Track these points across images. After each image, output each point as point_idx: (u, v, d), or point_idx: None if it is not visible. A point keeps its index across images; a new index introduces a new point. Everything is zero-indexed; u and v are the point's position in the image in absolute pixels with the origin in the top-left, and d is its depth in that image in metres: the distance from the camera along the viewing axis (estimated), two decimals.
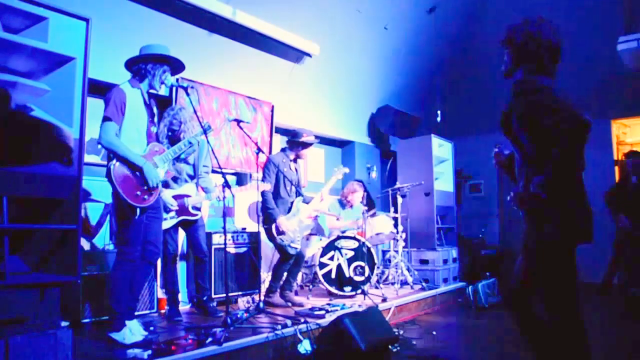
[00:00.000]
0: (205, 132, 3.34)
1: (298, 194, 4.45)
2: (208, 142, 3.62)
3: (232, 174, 5.54)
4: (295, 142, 4.44)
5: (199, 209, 3.94)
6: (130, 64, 3.09)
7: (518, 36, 2.12)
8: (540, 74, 2.08)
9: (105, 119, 2.85)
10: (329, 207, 5.88)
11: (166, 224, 3.80)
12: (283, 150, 4.57)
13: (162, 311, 4.14)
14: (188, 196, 3.89)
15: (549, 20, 2.13)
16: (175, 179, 3.90)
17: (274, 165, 4.35)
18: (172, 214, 3.82)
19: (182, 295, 4.32)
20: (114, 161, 2.87)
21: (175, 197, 3.85)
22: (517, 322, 2.21)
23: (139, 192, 2.92)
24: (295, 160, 4.53)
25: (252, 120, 5.61)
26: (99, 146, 2.92)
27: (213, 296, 4.31)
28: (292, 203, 4.43)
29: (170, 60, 3.18)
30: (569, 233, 1.99)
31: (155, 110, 3.24)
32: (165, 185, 3.38)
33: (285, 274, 4.48)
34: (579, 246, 2.03)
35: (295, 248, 4.34)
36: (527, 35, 2.09)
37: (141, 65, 3.06)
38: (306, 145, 4.44)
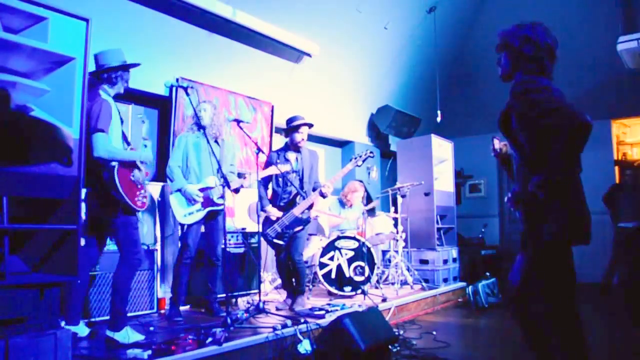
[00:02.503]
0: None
1: (300, 186, 4.24)
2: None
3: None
4: (287, 129, 4.35)
5: (223, 197, 3.85)
6: (102, 72, 3.09)
7: (514, 40, 2.13)
8: (539, 75, 2.09)
9: (99, 130, 2.88)
10: (329, 207, 5.88)
11: (194, 218, 3.82)
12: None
13: (162, 311, 4.14)
14: (212, 188, 3.89)
15: (541, 22, 2.14)
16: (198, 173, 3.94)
17: (268, 162, 4.32)
18: (198, 206, 3.83)
19: None
20: (115, 171, 2.91)
21: (200, 190, 3.86)
22: (519, 322, 2.22)
23: (139, 197, 3.06)
24: (295, 151, 4.33)
25: (252, 120, 5.61)
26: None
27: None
28: (289, 195, 4.26)
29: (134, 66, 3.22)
30: (565, 234, 1.99)
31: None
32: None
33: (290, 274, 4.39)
34: (579, 247, 2.03)
35: (278, 244, 4.20)
36: (523, 38, 2.11)
37: (112, 74, 3.09)
38: (295, 129, 4.26)
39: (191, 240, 3.85)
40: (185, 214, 3.83)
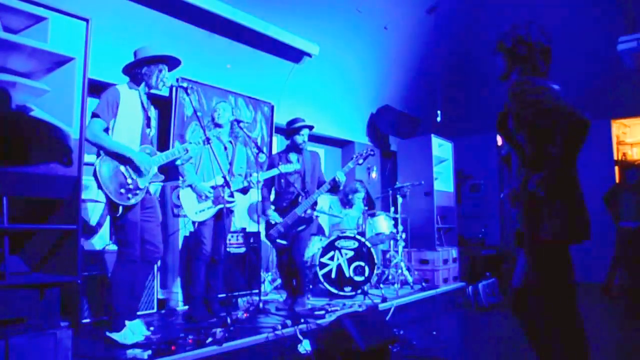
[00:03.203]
0: (208, 140, 3.33)
1: (302, 187, 4.24)
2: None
3: None
4: (288, 131, 4.37)
5: (233, 196, 3.84)
6: (127, 70, 3.10)
7: (508, 41, 2.16)
8: (535, 74, 2.10)
9: (93, 115, 2.88)
10: (329, 206, 5.88)
11: (204, 215, 3.80)
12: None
13: (163, 311, 4.14)
14: (223, 186, 3.87)
15: (536, 22, 2.15)
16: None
17: (271, 163, 4.34)
18: (209, 203, 3.81)
19: (180, 295, 4.31)
20: (101, 157, 2.88)
21: (212, 187, 3.85)
22: (519, 322, 2.21)
23: (122, 190, 2.90)
24: (297, 152, 4.34)
25: (252, 120, 5.61)
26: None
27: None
28: (291, 196, 4.26)
29: (165, 58, 3.17)
30: (566, 233, 1.98)
31: (153, 113, 3.23)
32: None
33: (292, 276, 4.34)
34: (580, 246, 2.03)
35: (281, 244, 4.19)
36: (516, 39, 2.13)
37: (137, 70, 3.08)
38: (296, 131, 4.29)
39: (206, 236, 3.80)
40: (197, 211, 3.80)
